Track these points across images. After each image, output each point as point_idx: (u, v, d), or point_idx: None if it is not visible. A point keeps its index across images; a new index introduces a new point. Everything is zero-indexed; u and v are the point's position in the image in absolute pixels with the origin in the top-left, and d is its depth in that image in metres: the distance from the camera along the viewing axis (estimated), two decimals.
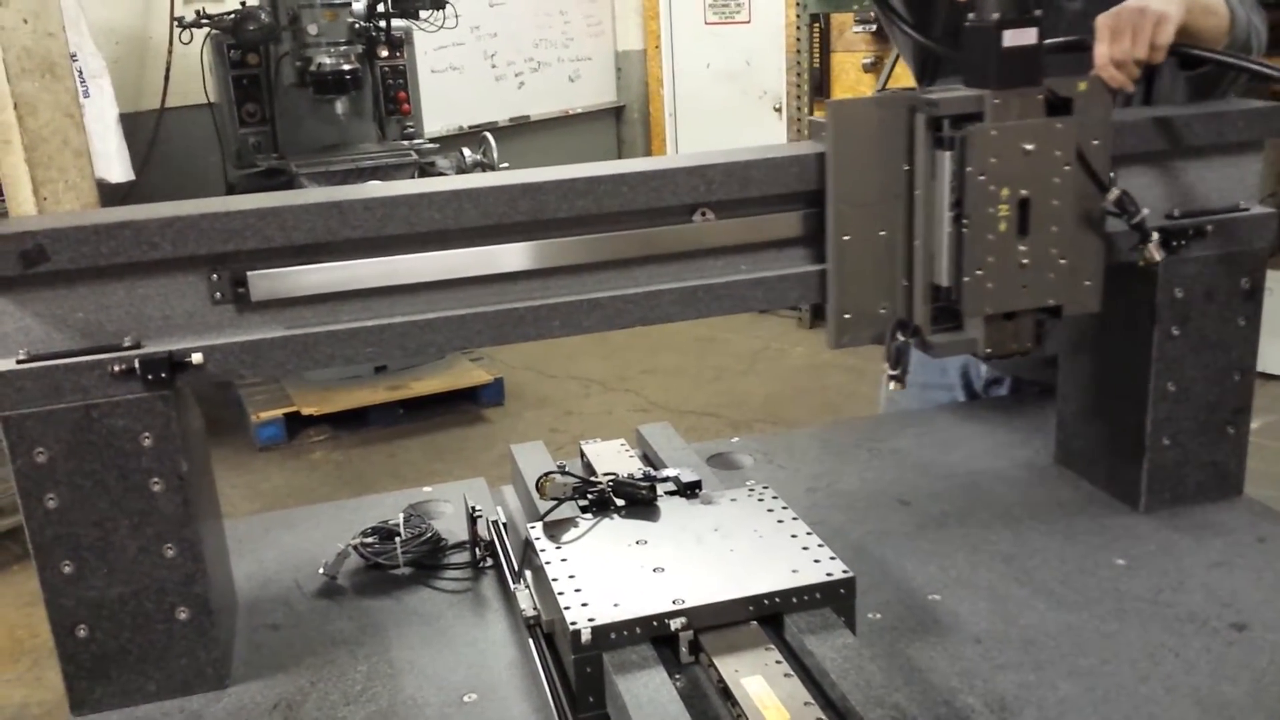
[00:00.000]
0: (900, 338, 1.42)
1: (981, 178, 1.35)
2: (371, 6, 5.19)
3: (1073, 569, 1.55)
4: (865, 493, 1.81)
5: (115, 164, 4.69)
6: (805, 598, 1.31)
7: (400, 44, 5.41)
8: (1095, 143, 1.40)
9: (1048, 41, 1.42)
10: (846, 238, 1.42)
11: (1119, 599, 1.48)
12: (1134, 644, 1.38)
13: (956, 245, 1.38)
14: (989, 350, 1.44)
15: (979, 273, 1.38)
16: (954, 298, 1.40)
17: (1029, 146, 1.35)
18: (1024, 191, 1.37)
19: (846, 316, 1.45)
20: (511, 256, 1.39)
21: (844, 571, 1.33)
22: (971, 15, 1.37)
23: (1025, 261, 1.39)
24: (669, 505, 1.52)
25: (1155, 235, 1.45)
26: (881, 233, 1.43)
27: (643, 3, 8.35)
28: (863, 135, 1.38)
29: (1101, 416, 1.75)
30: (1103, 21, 1.46)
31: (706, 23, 7.93)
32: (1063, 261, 1.41)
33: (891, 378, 1.42)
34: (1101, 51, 1.45)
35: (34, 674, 3.51)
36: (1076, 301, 1.45)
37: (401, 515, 1.68)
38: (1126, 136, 1.52)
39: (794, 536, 1.42)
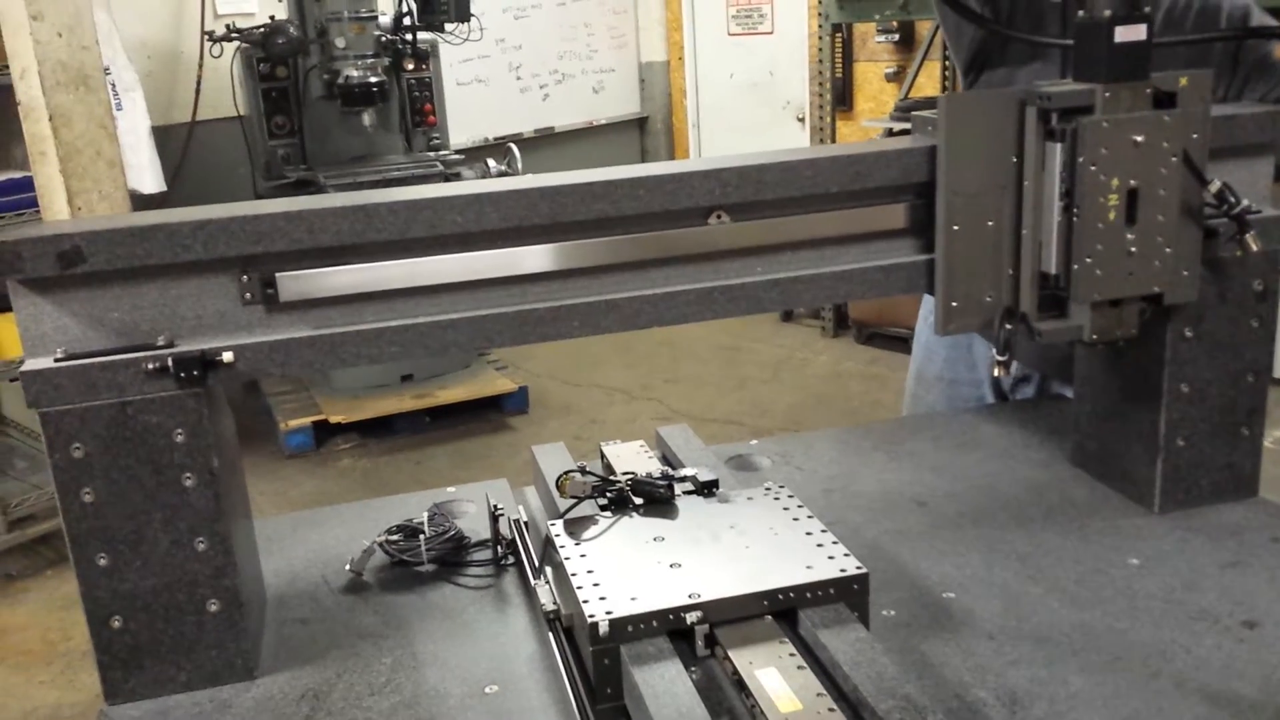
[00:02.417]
0: (1008, 325, 1.47)
1: (1093, 168, 1.40)
2: (398, 20, 5.26)
3: (1087, 568, 1.57)
4: (882, 493, 1.83)
5: (147, 175, 4.78)
6: (819, 593, 1.33)
7: (426, 56, 5.48)
8: (1195, 136, 1.44)
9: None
10: (956, 227, 1.47)
11: (1132, 597, 1.49)
12: (1146, 641, 1.39)
13: (1066, 234, 1.43)
14: (1094, 336, 1.49)
15: (1088, 260, 1.43)
16: (1062, 285, 1.46)
17: (1138, 138, 1.40)
18: (1133, 182, 1.42)
19: (954, 304, 1.50)
20: (532, 258, 1.42)
21: (858, 568, 1.35)
22: (1082, 11, 1.42)
23: (1133, 250, 1.44)
24: (687, 504, 1.54)
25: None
26: (989, 223, 1.48)
27: (666, 15, 8.41)
28: (975, 128, 1.44)
29: (1117, 418, 1.76)
30: None
31: (729, 34, 7.98)
32: (1167, 250, 1.46)
33: (999, 363, 1.48)
34: None
35: (66, 676, 3.57)
36: (1178, 290, 1.50)
37: (426, 514, 1.72)
38: None
39: (809, 534, 1.44)
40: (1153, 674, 1.33)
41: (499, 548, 1.67)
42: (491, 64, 7.36)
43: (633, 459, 1.75)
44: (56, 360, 1.31)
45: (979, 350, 2.25)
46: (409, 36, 5.28)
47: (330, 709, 1.36)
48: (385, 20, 5.26)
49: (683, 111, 8.46)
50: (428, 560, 1.65)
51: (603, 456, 1.79)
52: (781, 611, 1.33)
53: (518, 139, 6.70)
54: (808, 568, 1.36)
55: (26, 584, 4.18)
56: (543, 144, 7.72)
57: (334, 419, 5.22)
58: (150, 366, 1.31)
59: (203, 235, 1.31)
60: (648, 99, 8.62)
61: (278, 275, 1.36)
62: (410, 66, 5.44)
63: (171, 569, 1.37)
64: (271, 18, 5.23)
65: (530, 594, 1.53)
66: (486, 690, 1.37)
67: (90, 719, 3.28)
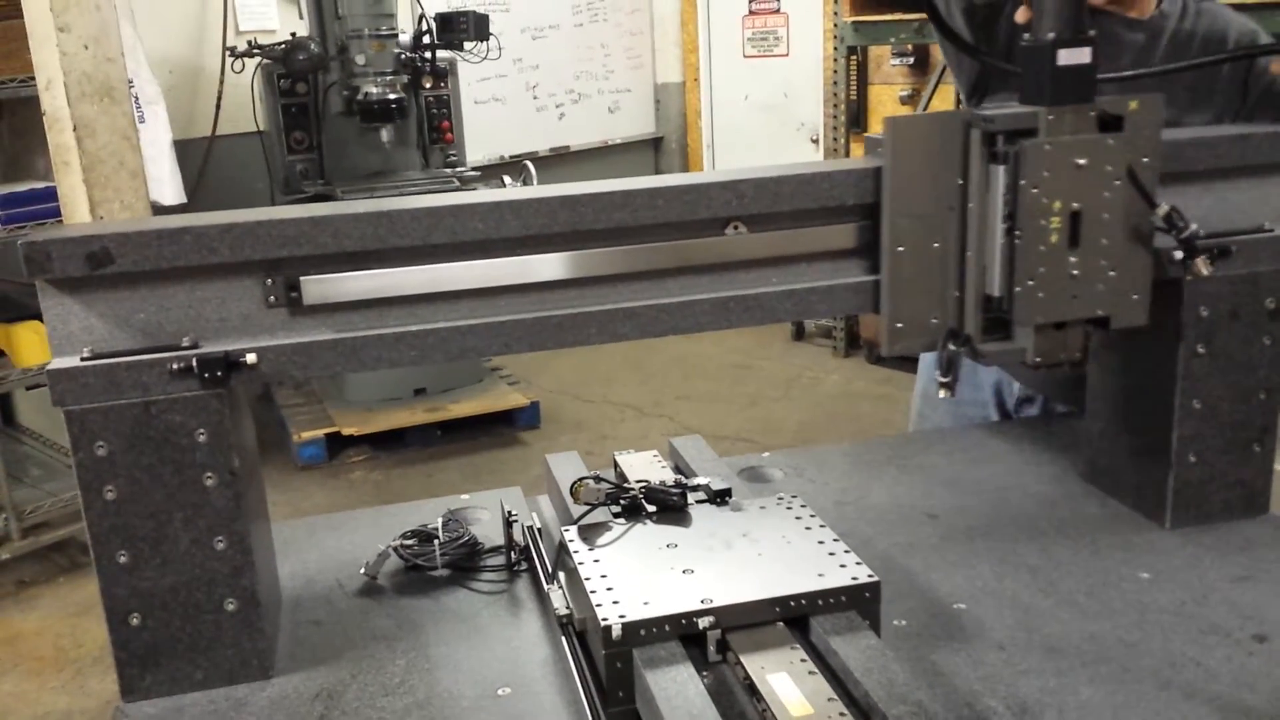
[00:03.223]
0: (952, 346, 1.47)
1: (1034, 191, 1.40)
2: (417, 38, 5.32)
3: (1097, 581, 1.57)
4: (894, 506, 1.84)
5: (168, 187, 4.82)
6: (831, 600, 1.34)
7: (445, 74, 5.53)
8: (1145, 160, 1.44)
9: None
10: (901, 249, 1.47)
11: (1142, 610, 1.50)
12: (1156, 653, 1.40)
13: (1009, 256, 1.43)
14: (1038, 359, 1.48)
15: (1030, 283, 1.43)
16: (1005, 307, 1.45)
17: (1081, 161, 1.40)
18: (1075, 205, 1.41)
19: (899, 326, 1.50)
20: (550, 266, 1.44)
21: (869, 576, 1.37)
22: (1027, 35, 1.42)
23: (1075, 273, 1.44)
24: (699, 512, 1.56)
25: (1218, 249, 1.50)
26: (935, 244, 1.48)
27: (682, 36, 8.46)
28: (919, 150, 1.44)
29: (1128, 434, 1.77)
30: None
31: (745, 56, 8.02)
32: (1112, 274, 1.45)
33: (942, 385, 1.47)
34: None
35: (77, 683, 3.59)
36: (1125, 314, 1.49)
37: (440, 520, 1.73)
38: None
39: (821, 543, 1.45)
40: (1163, 685, 1.33)
41: (512, 553, 1.68)
42: (509, 83, 7.42)
43: (646, 468, 1.76)
44: (83, 359, 1.33)
45: (983, 371, 2.26)
46: (428, 55, 5.33)
47: (344, 709, 1.37)
48: (405, 38, 5.31)
49: (697, 132, 8.51)
50: (441, 565, 1.67)
51: (616, 465, 1.81)
52: (793, 618, 1.34)
53: (533, 157, 6.75)
54: (820, 575, 1.37)
55: (39, 590, 4.20)
56: (558, 162, 7.77)
57: (346, 431, 5.25)
58: (175, 367, 1.33)
59: (229, 238, 1.33)
60: (663, 119, 8.67)
61: (302, 279, 1.38)
62: (429, 84, 5.49)
63: (191, 567, 1.39)
64: (293, 34, 5.29)
65: (543, 599, 1.54)
66: (499, 692, 1.38)
67: None
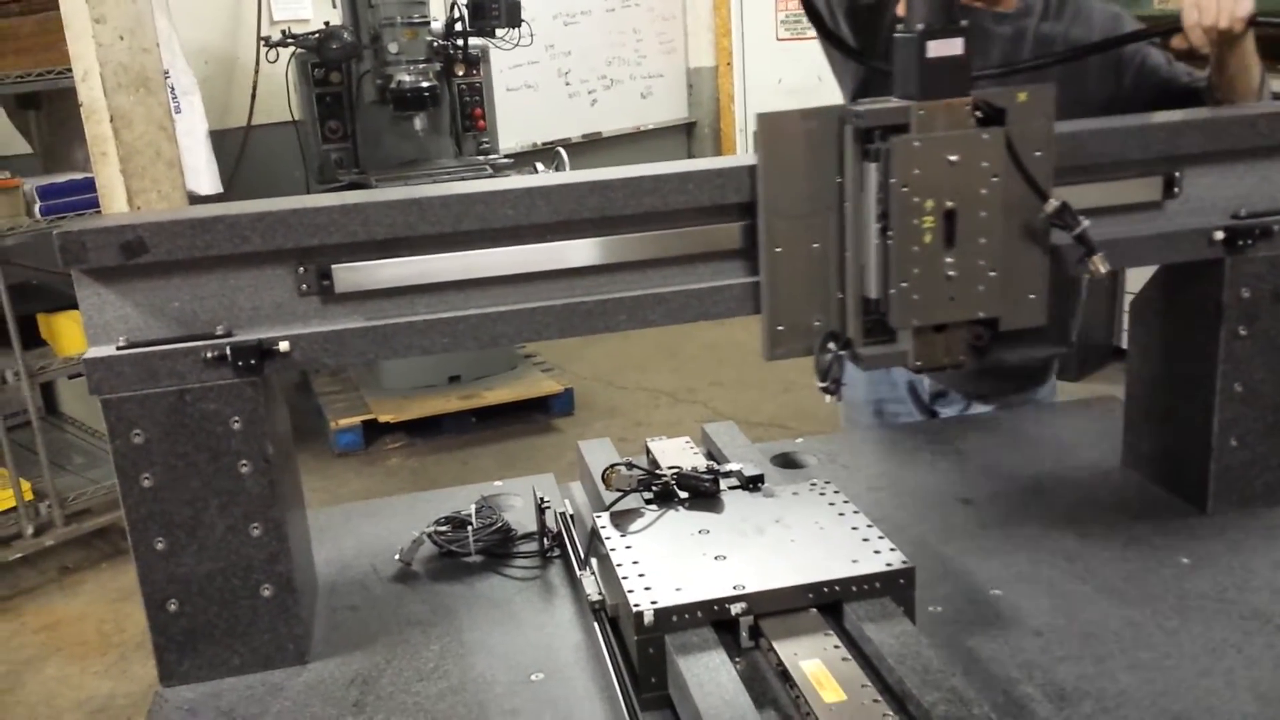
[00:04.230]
0: (831, 349, 1.41)
1: (905, 189, 1.33)
2: (450, 25, 5.32)
3: (1136, 567, 1.55)
4: (927, 492, 1.83)
5: (204, 177, 4.86)
6: (865, 587, 1.34)
7: (477, 62, 5.53)
8: (1037, 154, 1.36)
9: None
10: (778, 250, 1.42)
11: (1182, 596, 1.48)
12: (1196, 639, 1.38)
13: (883, 257, 1.36)
14: (919, 363, 1.42)
15: (904, 285, 1.36)
16: (883, 310, 1.39)
17: (954, 158, 1.32)
18: (950, 203, 1.34)
19: (780, 328, 1.45)
20: (580, 252, 1.44)
21: (903, 562, 1.36)
22: (900, 27, 1.36)
23: (952, 274, 1.36)
24: (732, 498, 1.55)
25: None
26: (815, 245, 1.42)
27: (714, 20, 8.42)
28: (792, 147, 1.39)
29: (1168, 418, 1.75)
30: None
31: (778, 39, 7.98)
32: (992, 274, 1.38)
33: (822, 389, 1.41)
34: (1190, 16, 1.62)
35: (120, 667, 3.64)
36: (1017, 314, 1.41)
37: (473, 506, 1.74)
38: (1191, 136, 1.54)
39: (855, 529, 1.45)
40: (1203, 672, 1.31)
41: (545, 540, 1.68)
42: (541, 69, 7.41)
43: (678, 454, 1.76)
44: (119, 349, 1.35)
45: (897, 371, 2.22)
46: (460, 42, 5.33)
47: (379, 694, 1.38)
48: (437, 26, 5.32)
49: (730, 116, 8.47)
50: (475, 551, 1.68)
51: (648, 452, 1.80)
52: (826, 605, 1.34)
53: (566, 144, 6.74)
54: (853, 561, 1.36)
55: (83, 576, 4.27)
56: (591, 149, 7.76)
57: (383, 418, 5.28)
58: (209, 355, 1.35)
59: (261, 227, 1.34)
60: (695, 104, 8.63)
61: (333, 267, 1.38)
62: (461, 72, 5.49)
63: (227, 554, 1.40)
64: (326, 23, 5.31)
65: (576, 585, 1.55)
66: (533, 677, 1.39)
67: (142, 710, 3.35)
